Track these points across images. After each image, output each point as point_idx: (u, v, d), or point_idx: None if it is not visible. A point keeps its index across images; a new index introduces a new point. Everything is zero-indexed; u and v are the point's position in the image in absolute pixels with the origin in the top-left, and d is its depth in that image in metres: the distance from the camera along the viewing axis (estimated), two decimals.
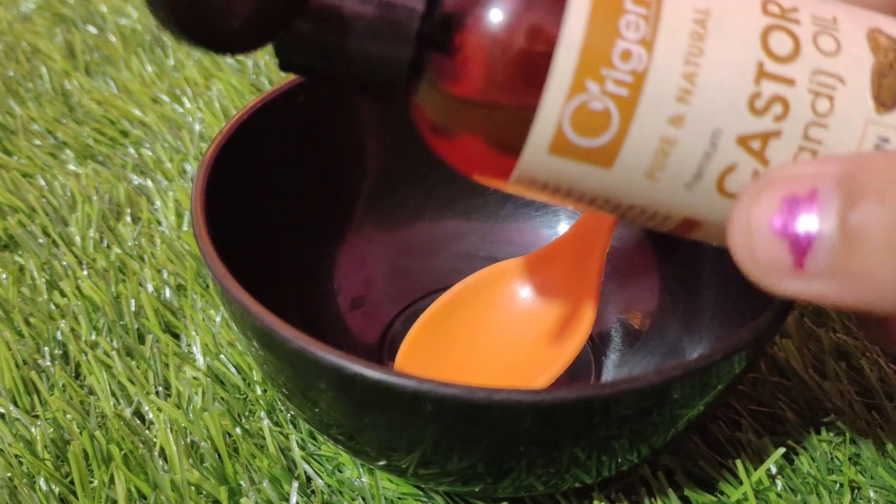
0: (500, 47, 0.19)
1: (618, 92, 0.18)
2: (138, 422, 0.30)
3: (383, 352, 0.33)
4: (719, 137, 0.18)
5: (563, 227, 0.35)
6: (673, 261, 0.32)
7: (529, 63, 0.18)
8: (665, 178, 0.19)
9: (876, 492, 0.28)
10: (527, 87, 0.19)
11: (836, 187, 0.17)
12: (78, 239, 0.38)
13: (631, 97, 0.18)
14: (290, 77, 0.31)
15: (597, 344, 0.32)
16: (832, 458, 0.29)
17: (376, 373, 0.21)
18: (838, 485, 0.28)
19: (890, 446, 0.29)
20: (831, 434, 0.30)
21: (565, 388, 0.21)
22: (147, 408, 0.30)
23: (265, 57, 0.51)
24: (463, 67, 0.19)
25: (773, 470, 0.29)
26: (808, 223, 0.17)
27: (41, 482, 0.28)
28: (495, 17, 0.19)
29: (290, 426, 0.30)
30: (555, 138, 0.19)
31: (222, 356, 0.32)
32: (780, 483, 0.28)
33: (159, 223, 0.39)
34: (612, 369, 0.32)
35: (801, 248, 0.17)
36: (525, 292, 0.32)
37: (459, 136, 0.20)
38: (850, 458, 0.29)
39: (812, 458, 0.29)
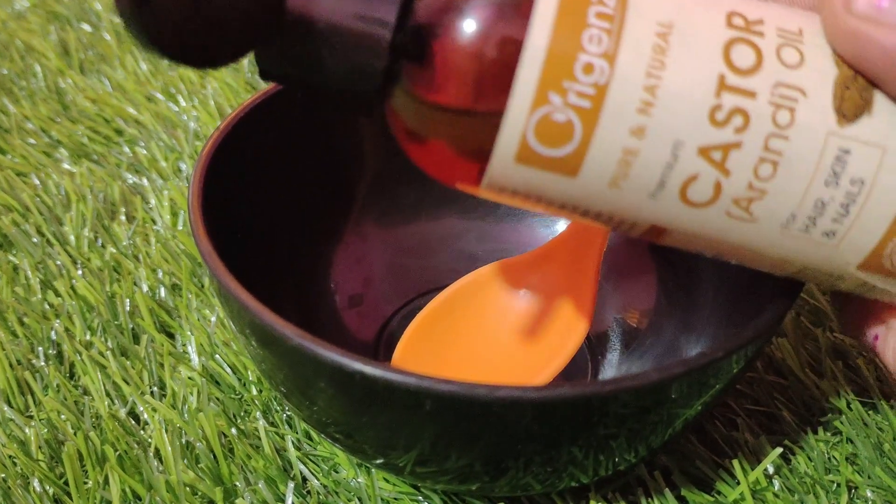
0: (467, 58, 0.19)
1: (580, 104, 0.19)
2: (133, 422, 0.30)
3: (379, 350, 0.33)
4: (681, 148, 0.19)
5: (560, 227, 0.35)
6: (670, 260, 0.32)
7: (495, 74, 0.19)
8: (629, 187, 0.19)
9: (873, 491, 0.28)
10: (493, 96, 0.19)
11: None
12: (72, 238, 0.38)
13: (593, 109, 0.19)
14: None
15: (593, 343, 0.32)
16: (829, 458, 0.29)
17: (376, 369, 0.20)
18: (835, 484, 0.28)
19: (887, 446, 0.29)
20: (828, 433, 0.30)
21: (567, 385, 0.21)
22: (142, 408, 0.30)
23: None
24: (433, 76, 0.20)
25: (771, 470, 0.28)
26: None
27: (35, 483, 0.28)
28: (463, 29, 0.19)
29: (286, 426, 0.30)
30: (520, 148, 0.19)
31: (217, 356, 0.32)
32: (777, 483, 0.28)
33: (154, 222, 0.39)
34: (609, 369, 0.32)
35: None
36: (522, 291, 0.32)
37: (431, 142, 0.21)
38: (847, 458, 0.29)
39: (809, 458, 0.29)
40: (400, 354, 0.31)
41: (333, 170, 0.33)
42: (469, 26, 0.19)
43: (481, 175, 0.20)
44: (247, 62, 0.50)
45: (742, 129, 0.19)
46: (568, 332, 0.30)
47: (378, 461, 0.25)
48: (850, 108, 0.19)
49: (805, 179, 0.19)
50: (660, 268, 0.32)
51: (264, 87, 0.47)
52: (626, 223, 0.21)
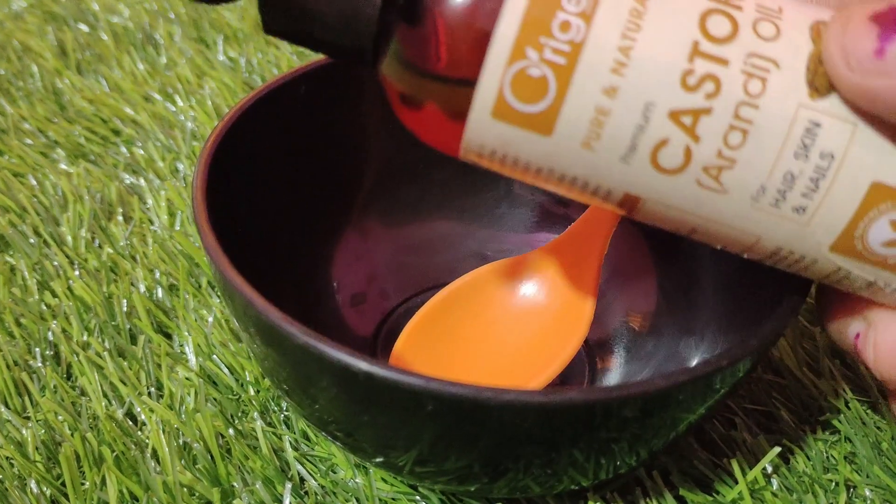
0: (452, 16, 0.20)
1: (556, 60, 0.19)
2: (130, 423, 0.30)
3: (377, 345, 0.32)
4: (651, 111, 0.19)
5: (564, 226, 0.35)
6: (671, 263, 0.32)
7: (477, 32, 0.20)
8: (601, 148, 0.20)
9: (872, 490, 0.28)
10: (474, 55, 0.20)
11: None
12: (69, 239, 0.38)
13: (568, 66, 0.19)
14: (287, 71, 0.31)
15: (593, 346, 0.32)
16: (828, 457, 0.29)
17: (381, 370, 0.20)
18: (834, 483, 0.28)
19: (885, 445, 0.29)
20: (826, 433, 0.30)
21: (574, 391, 0.21)
22: (139, 409, 0.30)
23: (258, 55, 0.51)
24: (421, 36, 0.20)
25: (769, 469, 0.28)
26: None
27: (32, 484, 0.28)
28: None
29: (284, 426, 0.30)
30: (496, 103, 0.20)
31: (215, 356, 0.32)
32: (775, 482, 0.28)
33: (151, 222, 0.39)
34: (609, 372, 0.32)
35: (888, 40, 0.18)
36: (522, 291, 0.32)
37: (420, 103, 0.21)
38: (845, 457, 0.29)
39: (807, 457, 0.29)
40: (399, 351, 0.30)
41: (335, 167, 0.33)
42: None
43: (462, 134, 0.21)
44: (244, 61, 0.50)
45: (713, 95, 0.19)
46: (568, 333, 0.30)
47: (377, 460, 0.25)
48: (822, 83, 0.19)
49: (774, 150, 0.19)
50: (660, 270, 0.32)
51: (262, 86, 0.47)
52: (601, 190, 0.21)
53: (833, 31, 0.19)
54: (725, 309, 0.29)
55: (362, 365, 0.21)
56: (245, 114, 0.29)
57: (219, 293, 0.35)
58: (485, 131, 0.20)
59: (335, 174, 0.33)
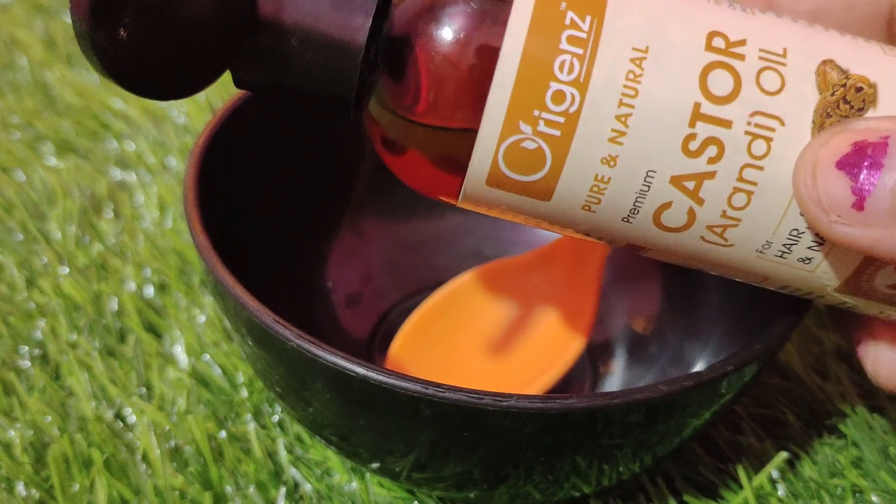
0: (438, 77, 0.19)
1: (550, 132, 0.18)
2: (120, 424, 0.29)
3: (374, 347, 0.32)
4: (653, 178, 0.18)
5: None
6: (676, 267, 0.31)
7: (466, 94, 0.19)
8: (602, 211, 0.19)
9: (879, 496, 0.28)
10: (465, 114, 0.19)
11: None
12: (58, 235, 0.37)
13: (563, 138, 0.18)
14: None
15: (595, 348, 0.32)
16: (834, 462, 0.29)
17: (377, 374, 0.20)
18: (840, 489, 0.28)
19: (892, 449, 0.29)
20: (833, 437, 0.29)
21: (575, 397, 0.20)
22: (129, 410, 0.30)
23: None
24: (406, 90, 0.19)
25: (775, 474, 0.28)
26: (875, 166, 0.17)
27: (20, 487, 0.27)
28: (436, 45, 0.19)
29: (277, 429, 0.29)
30: (491, 173, 0.19)
31: (206, 356, 0.31)
32: (781, 488, 0.28)
33: (142, 219, 0.38)
34: (611, 376, 0.31)
35: (863, 189, 0.17)
36: (523, 291, 0.31)
37: (407, 153, 0.21)
38: (852, 462, 0.29)
39: (814, 462, 0.28)
40: (395, 352, 0.30)
41: (330, 164, 0.32)
42: (442, 43, 0.19)
43: (457, 189, 0.20)
44: None
45: (716, 159, 0.18)
46: (569, 335, 0.29)
47: (373, 465, 0.25)
48: None
49: (780, 209, 0.19)
50: (664, 272, 0.32)
51: None
52: (605, 238, 0.21)
53: (802, 180, 0.18)
54: (731, 312, 0.29)
55: (357, 370, 0.20)
56: (237, 110, 0.28)
57: (211, 292, 0.34)
58: (481, 194, 0.20)
59: (330, 172, 0.32)
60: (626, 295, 0.32)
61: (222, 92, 0.45)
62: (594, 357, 0.31)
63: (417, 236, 0.35)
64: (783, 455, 0.27)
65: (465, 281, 0.31)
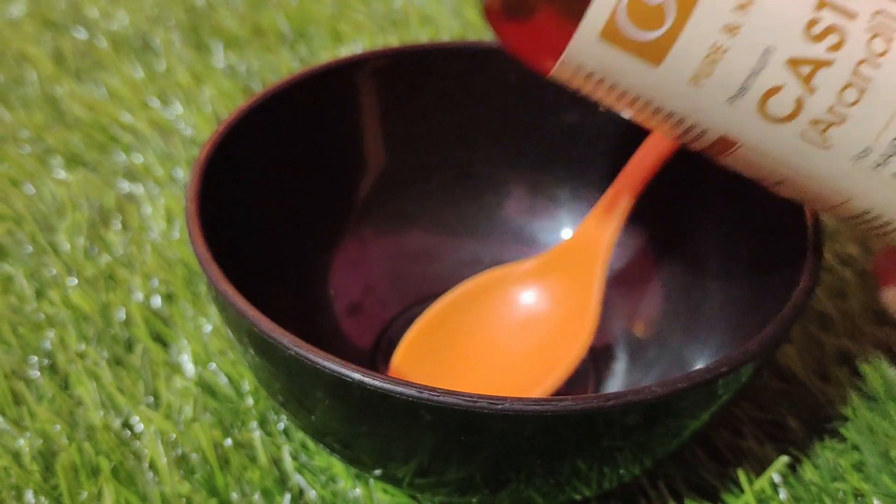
0: None
1: None
2: (128, 433, 0.30)
3: (377, 356, 0.32)
4: (770, 55, 0.18)
5: (565, 234, 0.35)
6: (676, 269, 0.32)
7: None
8: (710, 86, 0.19)
9: (881, 499, 0.28)
10: None
11: None
12: (66, 247, 0.37)
13: None
14: (284, 77, 0.30)
15: (597, 352, 0.32)
16: (835, 466, 0.29)
17: (375, 380, 0.20)
18: (842, 493, 0.28)
19: (894, 453, 0.29)
20: (834, 440, 0.29)
21: (571, 399, 0.20)
22: (136, 418, 0.30)
23: (257, 60, 0.50)
24: None
25: (776, 478, 0.28)
26: None
27: (29, 495, 0.27)
28: None
29: (283, 436, 0.30)
30: (607, 24, 0.19)
31: (212, 365, 0.32)
32: (782, 492, 0.28)
33: (149, 230, 0.39)
34: (613, 379, 0.31)
35: None
36: (524, 298, 0.31)
37: (521, 10, 0.20)
38: (853, 466, 0.29)
39: (815, 466, 0.29)
40: (399, 361, 0.30)
41: (333, 175, 0.33)
42: None
43: (562, 47, 0.20)
44: (243, 67, 0.50)
45: (836, 48, 0.18)
46: (571, 340, 0.29)
47: (376, 472, 0.25)
48: None
49: (888, 113, 0.19)
50: (665, 276, 0.32)
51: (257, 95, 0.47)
52: (695, 129, 0.20)
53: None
54: (732, 314, 0.29)
55: (355, 375, 0.20)
56: (239, 123, 0.28)
57: (213, 303, 0.34)
58: (588, 52, 0.19)
59: (332, 183, 0.33)
60: (626, 298, 0.32)
61: (228, 103, 0.46)
62: (596, 361, 0.32)
63: (419, 245, 0.35)
64: (784, 459, 0.27)
65: (466, 289, 0.32)
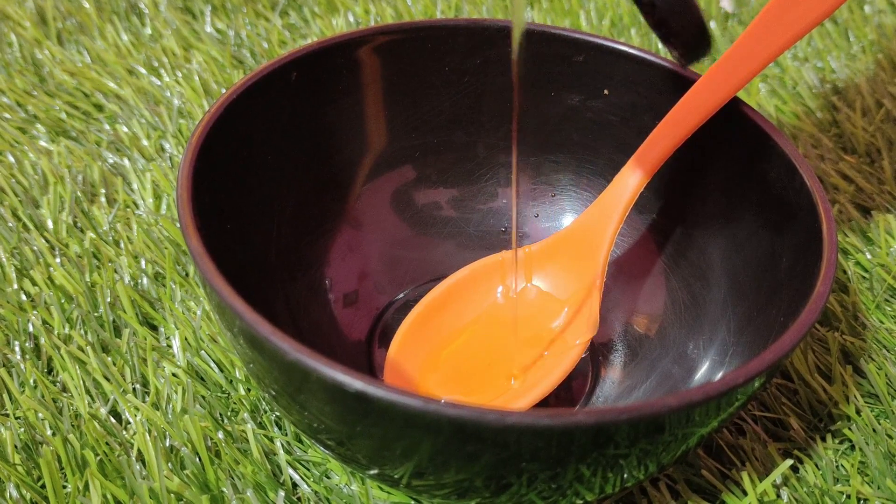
0: None
1: None
2: (114, 421, 0.29)
3: (373, 344, 0.31)
4: None
5: (566, 220, 0.34)
6: (680, 265, 0.31)
7: None
8: None
9: None
10: None
11: None
12: (50, 223, 0.36)
13: None
14: (279, 55, 0.29)
15: (597, 347, 0.31)
16: (838, 467, 0.28)
17: (377, 390, 0.19)
18: (845, 496, 0.27)
19: None
20: (837, 441, 0.29)
21: (582, 413, 0.19)
22: (123, 407, 0.29)
23: (247, 27, 0.49)
24: None
25: (778, 480, 0.27)
26: None
27: (11, 488, 0.27)
28: None
29: (276, 428, 0.29)
30: None
31: (203, 352, 0.31)
32: (785, 494, 0.27)
33: (136, 206, 0.37)
34: (613, 375, 0.30)
35: None
36: (523, 288, 0.30)
37: None
38: (856, 468, 0.28)
39: (818, 467, 0.28)
40: (394, 353, 0.29)
41: (328, 159, 0.32)
42: None
43: None
44: (232, 34, 0.48)
45: None
46: (571, 335, 0.29)
47: (372, 472, 0.24)
48: None
49: None
50: (669, 272, 0.31)
51: (251, 62, 0.46)
52: None
53: None
54: (736, 310, 0.28)
55: (357, 384, 0.19)
56: (233, 103, 0.27)
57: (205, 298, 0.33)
58: None
59: (328, 166, 0.32)
60: (629, 293, 0.32)
61: (217, 74, 0.44)
62: (596, 355, 0.31)
63: (415, 231, 0.34)
64: (788, 462, 0.27)
65: (463, 277, 0.31)
